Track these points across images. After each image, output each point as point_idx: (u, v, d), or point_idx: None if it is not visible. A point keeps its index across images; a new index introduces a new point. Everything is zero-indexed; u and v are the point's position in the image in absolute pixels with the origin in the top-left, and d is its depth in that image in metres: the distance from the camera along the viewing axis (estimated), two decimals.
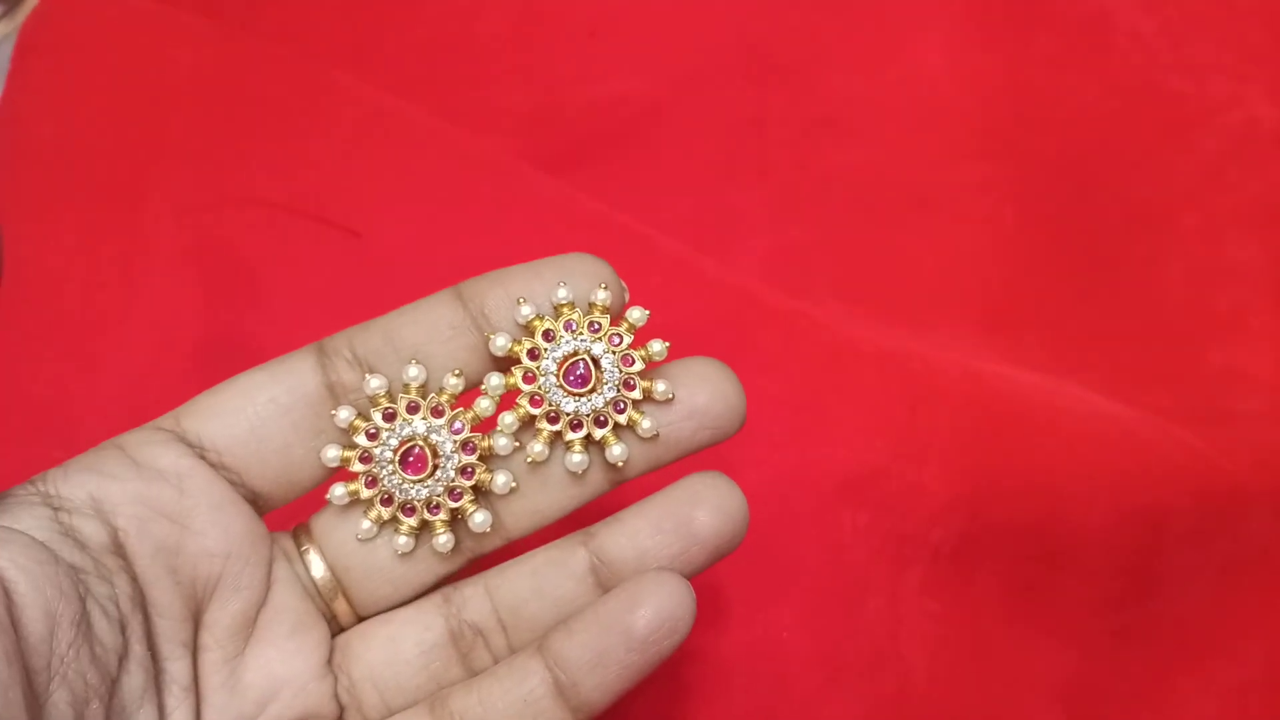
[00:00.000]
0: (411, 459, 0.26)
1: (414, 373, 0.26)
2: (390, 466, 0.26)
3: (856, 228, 0.43)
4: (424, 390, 0.26)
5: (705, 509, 0.26)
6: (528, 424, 0.26)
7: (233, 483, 0.26)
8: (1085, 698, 0.36)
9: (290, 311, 0.38)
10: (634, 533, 0.26)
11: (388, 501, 0.26)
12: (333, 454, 0.26)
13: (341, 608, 0.27)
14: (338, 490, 0.26)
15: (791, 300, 0.39)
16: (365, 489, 0.26)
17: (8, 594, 0.21)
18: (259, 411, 0.26)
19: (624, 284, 0.27)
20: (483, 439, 0.26)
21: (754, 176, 0.43)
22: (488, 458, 0.26)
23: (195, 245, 0.38)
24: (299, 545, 0.27)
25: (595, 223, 0.39)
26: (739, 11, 0.46)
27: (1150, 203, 0.44)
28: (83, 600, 0.22)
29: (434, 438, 0.26)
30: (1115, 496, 0.37)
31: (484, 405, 0.26)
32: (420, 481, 0.26)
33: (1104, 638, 0.37)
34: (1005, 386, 0.38)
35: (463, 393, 0.26)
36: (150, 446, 0.25)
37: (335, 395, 0.26)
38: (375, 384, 0.26)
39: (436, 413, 0.26)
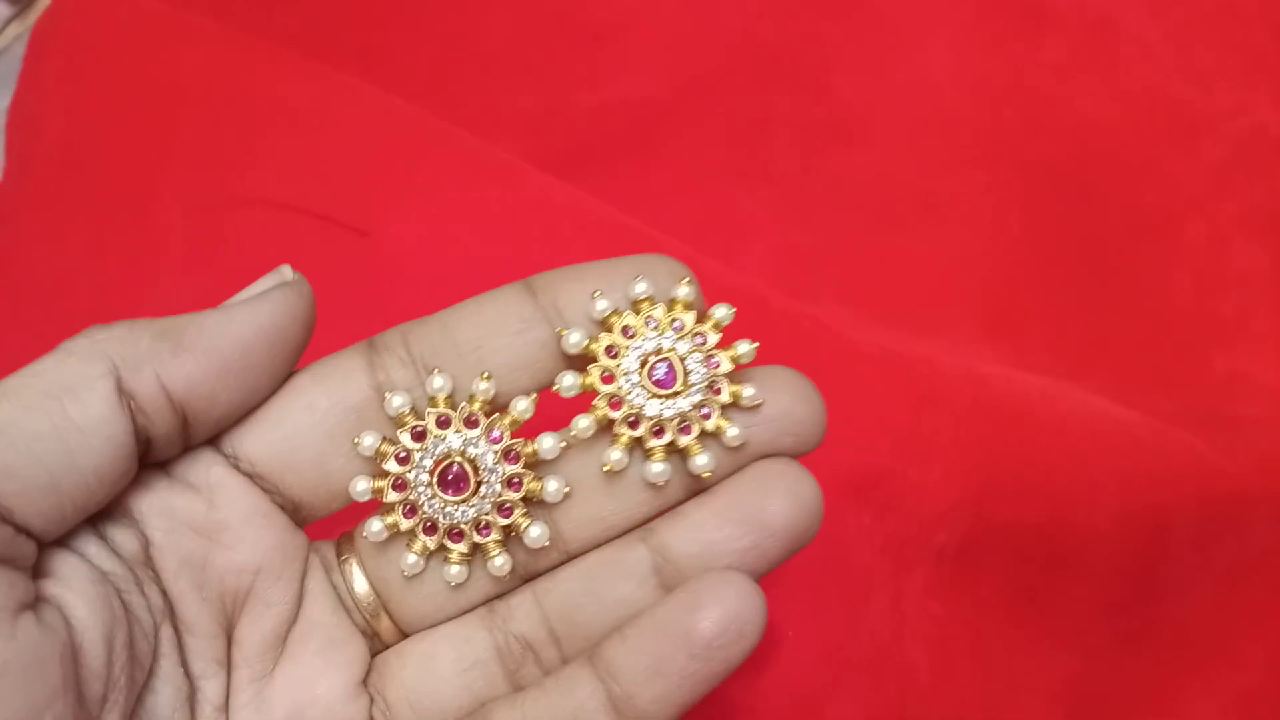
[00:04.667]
0: (450, 478, 0.23)
1: (439, 383, 0.23)
2: (428, 490, 0.23)
3: (862, 231, 0.43)
4: (452, 401, 0.24)
5: (777, 497, 0.23)
6: (605, 428, 0.24)
7: (269, 492, 0.24)
8: (1087, 701, 0.36)
9: None
10: (699, 526, 0.23)
11: (431, 529, 0.24)
12: (362, 487, 0.24)
13: (384, 624, 0.25)
14: (374, 526, 0.24)
15: (796, 302, 0.39)
16: (404, 519, 0.24)
17: (67, 621, 0.20)
18: (295, 420, 0.24)
19: (702, 295, 0.25)
20: (525, 445, 0.24)
21: (760, 179, 0.44)
22: (534, 464, 0.24)
23: (204, 245, 0.38)
24: (340, 556, 0.25)
25: (601, 224, 0.39)
26: (746, 15, 0.46)
27: (1155, 208, 0.44)
28: (127, 617, 0.22)
29: (472, 451, 0.23)
30: (1119, 500, 0.37)
31: (522, 407, 0.24)
32: (464, 501, 0.23)
33: (1106, 641, 0.37)
34: (1009, 389, 0.38)
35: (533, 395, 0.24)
36: (182, 457, 0.24)
37: (382, 398, 0.24)
38: (398, 402, 0.23)
39: (471, 423, 0.24)
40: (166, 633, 0.23)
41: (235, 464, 0.24)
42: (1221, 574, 0.37)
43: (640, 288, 0.24)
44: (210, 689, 0.23)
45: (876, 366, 0.38)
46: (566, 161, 0.43)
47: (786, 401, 0.24)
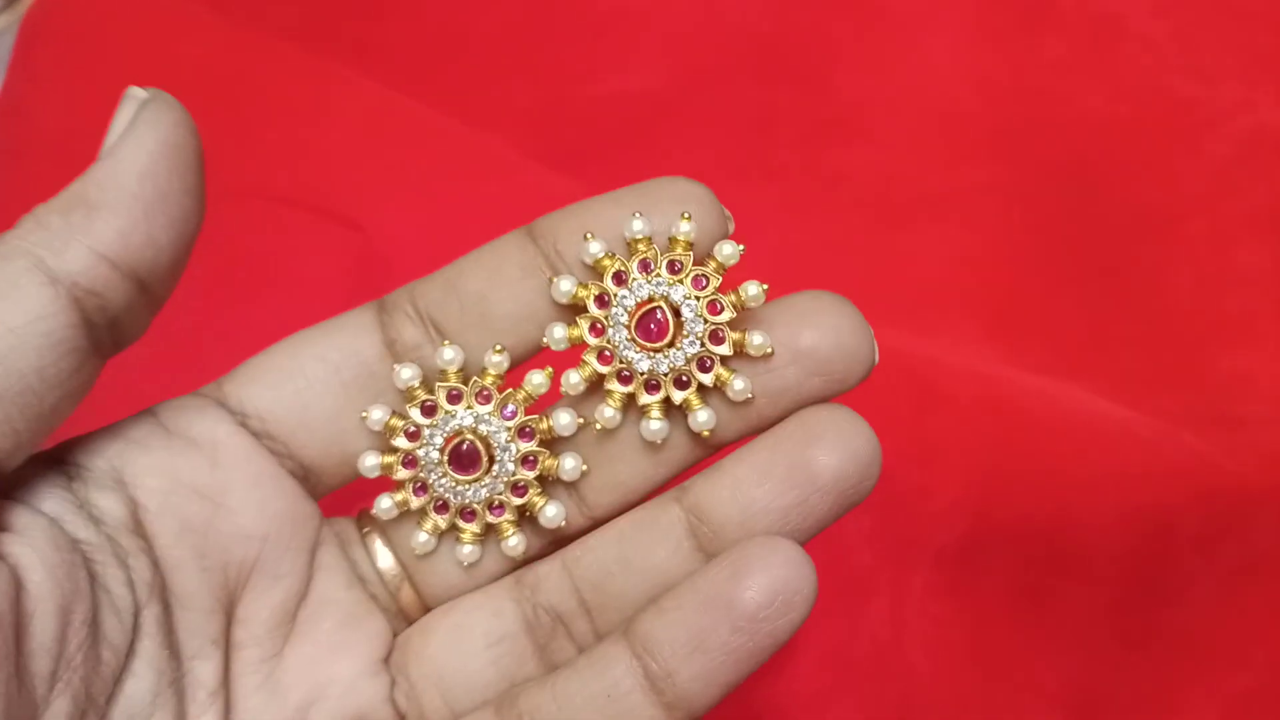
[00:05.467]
0: (462, 456, 0.22)
1: (449, 355, 0.22)
2: (439, 469, 0.23)
3: (863, 228, 0.43)
4: (464, 375, 0.23)
5: (825, 447, 0.21)
6: (596, 384, 0.22)
7: (278, 454, 0.23)
8: (1088, 703, 0.36)
9: (291, 304, 0.37)
10: (737, 482, 0.21)
11: (443, 508, 0.23)
12: (371, 462, 0.23)
13: (408, 598, 0.24)
14: (384, 503, 0.23)
15: None
16: (414, 497, 0.23)
17: (20, 585, 0.19)
18: (306, 372, 0.22)
19: (727, 212, 0.22)
20: (540, 420, 0.22)
21: (761, 176, 0.43)
22: (550, 441, 0.23)
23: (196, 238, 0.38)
24: (362, 529, 0.24)
25: None
26: (747, 10, 0.46)
27: (1158, 207, 0.43)
28: (94, 591, 0.20)
29: (484, 428, 0.22)
30: (1121, 500, 0.36)
31: (537, 381, 0.22)
32: (476, 480, 0.22)
33: (1108, 643, 0.36)
34: (1011, 389, 0.38)
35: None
36: (184, 413, 0.22)
37: (396, 354, 0.23)
38: (407, 375, 0.22)
39: (483, 398, 0.22)
40: (153, 610, 0.21)
41: (244, 421, 0.22)
42: (1224, 575, 0.37)
43: (636, 226, 0.22)
44: (203, 671, 0.22)
45: (878, 366, 0.37)
46: (564, 155, 0.42)
47: (808, 338, 0.21)
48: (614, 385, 0.22)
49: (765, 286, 0.22)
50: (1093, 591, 0.36)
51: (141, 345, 0.37)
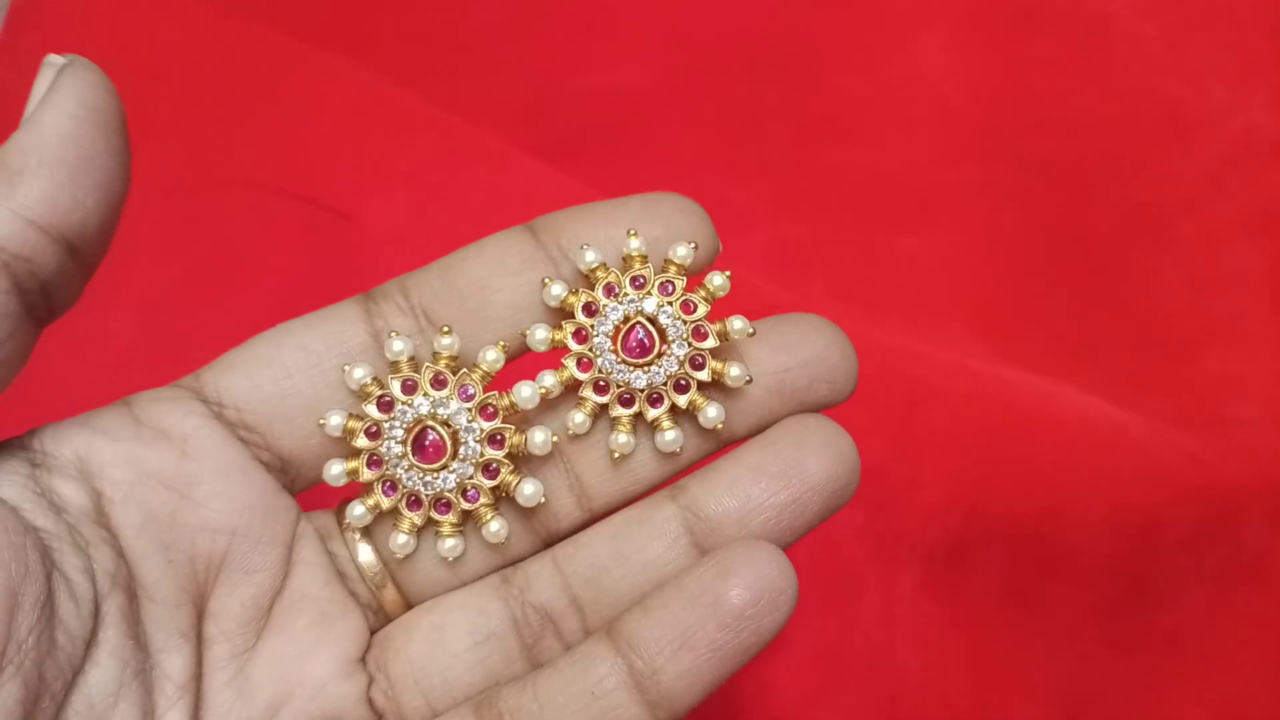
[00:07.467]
0: (426, 445, 0.22)
1: (399, 347, 0.22)
2: (404, 462, 0.22)
3: (854, 226, 0.43)
4: (415, 363, 0.22)
5: (815, 450, 0.22)
6: (571, 388, 0.23)
7: (254, 445, 0.22)
8: (1078, 703, 0.36)
9: (277, 294, 0.37)
10: (734, 480, 0.22)
11: (415, 503, 0.22)
12: (336, 470, 0.22)
13: (390, 596, 0.23)
14: (356, 510, 0.22)
15: (788, 296, 0.39)
16: (385, 498, 0.22)
17: None
18: (287, 362, 0.22)
19: (717, 238, 0.23)
20: (501, 397, 0.22)
21: (752, 172, 0.43)
22: (516, 418, 0.22)
23: (183, 226, 0.38)
24: (342, 524, 0.24)
25: None
26: (740, 6, 0.45)
27: (1149, 208, 0.43)
28: (49, 576, 0.19)
29: (442, 412, 0.22)
30: (1111, 500, 0.36)
31: (491, 358, 0.22)
32: (443, 467, 0.22)
33: (1098, 644, 0.36)
34: (1002, 388, 0.38)
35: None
36: (157, 403, 0.22)
37: (381, 344, 0.23)
38: (359, 374, 0.22)
39: (438, 383, 0.22)
40: (117, 600, 0.21)
41: (219, 411, 0.22)
42: (1213, 576, 0.37)
43: (634, 244, 0.22)
44: (172, 664, 0.21)
45: (869, 363, 0.37)
46: (555, 148, 0.42)
47: (819, 345, 0.22)
48: (588, 393, 0.22)
49: (750, 331, 0.22)
50: (1082, 591, 0.36)
51: (127, 334, 0.37)
